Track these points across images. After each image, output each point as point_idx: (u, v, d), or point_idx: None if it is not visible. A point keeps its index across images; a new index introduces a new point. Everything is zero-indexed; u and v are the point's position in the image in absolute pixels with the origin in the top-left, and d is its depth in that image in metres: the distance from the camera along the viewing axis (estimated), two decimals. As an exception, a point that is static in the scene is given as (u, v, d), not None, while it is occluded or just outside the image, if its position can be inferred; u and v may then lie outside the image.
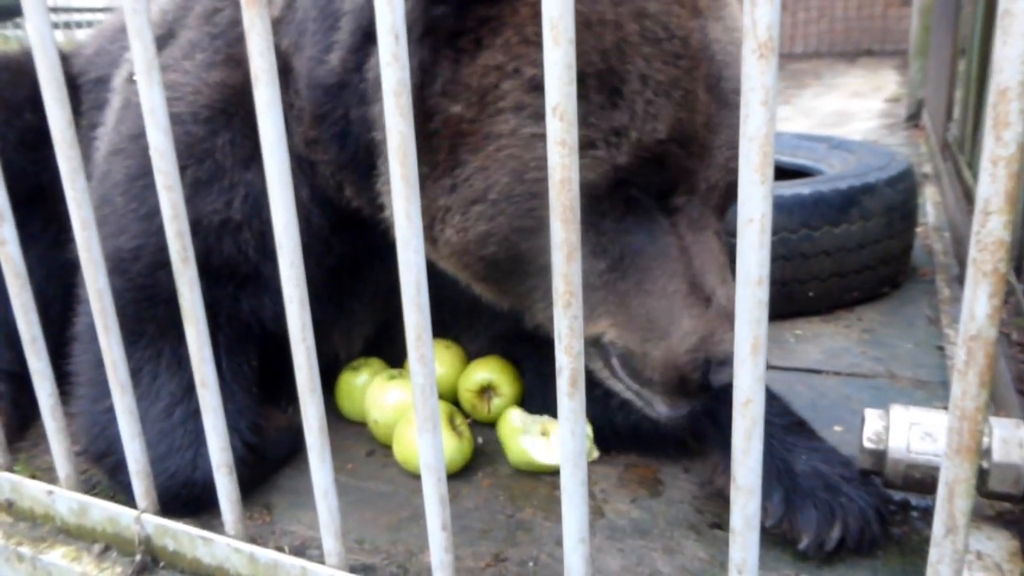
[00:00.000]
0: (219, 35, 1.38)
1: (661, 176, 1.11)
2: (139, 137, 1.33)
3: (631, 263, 1.16)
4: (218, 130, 1.33)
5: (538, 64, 1.04)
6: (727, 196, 1.19)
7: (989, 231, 0.64)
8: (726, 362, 1.11)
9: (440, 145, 1.14)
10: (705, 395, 1.16)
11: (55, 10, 7.75)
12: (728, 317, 1.13)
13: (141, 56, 0.98)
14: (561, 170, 0.77)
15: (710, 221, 1.17)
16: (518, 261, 1.18)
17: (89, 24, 8.30)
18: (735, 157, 1.14)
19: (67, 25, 8.32)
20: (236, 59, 1.33)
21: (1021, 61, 0.60)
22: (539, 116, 1.07)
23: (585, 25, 1.04)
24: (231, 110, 1.33)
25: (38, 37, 1.05)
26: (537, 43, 1.06)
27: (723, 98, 1.12)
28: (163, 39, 1.45)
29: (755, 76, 0.67)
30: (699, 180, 1.14)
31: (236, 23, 1.35)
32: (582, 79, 1.04)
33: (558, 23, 0.73)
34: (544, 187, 1.09)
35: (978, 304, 0.65)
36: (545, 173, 1.05)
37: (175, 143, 1.05)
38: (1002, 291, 0.65)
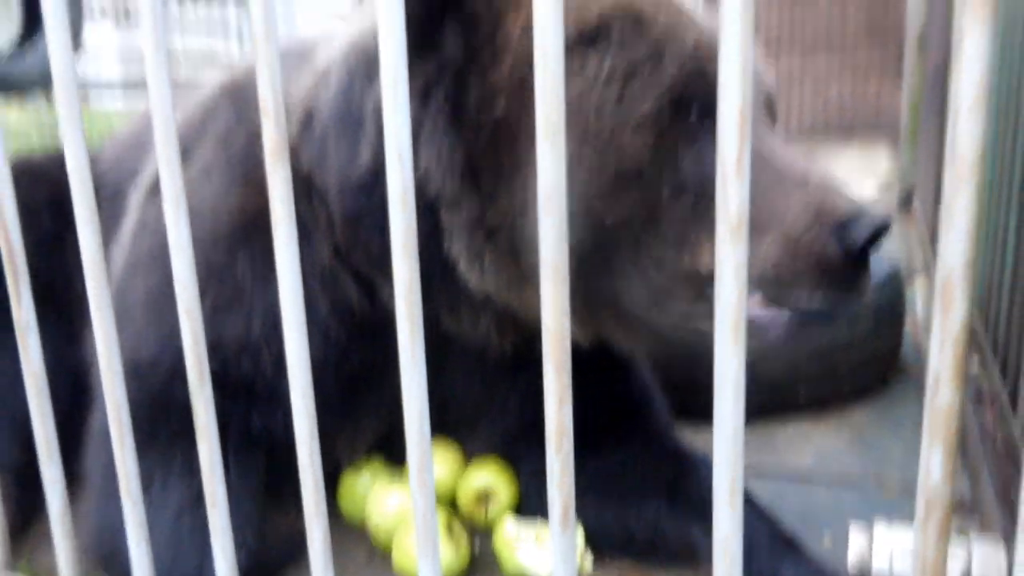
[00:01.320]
0: (235, 159, 1.47)
1: (707, 90, 1.10)
2: (158, 257, 1.41)
3: (711, 184, 1.19)
4: (237, 254, 1.41)
5: (564, 28, 1.16)
6: (768, 108, 1.27)
7: (941, 399, 0.70)
8: (854, 219, 1.06)
9: (500, 149, 1.22)
10: (857, 262, 1.08)
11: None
12: (831, 185, 1.11)
13: (171, 195, 1.06)
14: (554, 323, 0.84)
15: (767, 127, 1.23)
16: (606, 241, 1.20)
17: (103, 95, 8.52)
18: (757, 72, 1.26)
19: (83, 98, 8.53)
20: (254, 182, 1.41)
21: (962, 249, 0.67)
22: (581, 71, 1.16)
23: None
24: (250, 233, 1.40)
25: (76, 173, 1.14)
26: None
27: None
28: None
29: (728, 251, 0.74)
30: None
31: (252, 148, 1.44)
32: (604, 24, 1.18)
33: (551, 194, 0.81)
34: (609, 136, 1.17)
35: (933, 466, 0.71)
36: (605, 121, 1.16)
37: (195, 267, 1.12)
38: (955, 455, 0.71)
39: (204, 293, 1.37)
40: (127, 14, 8.21)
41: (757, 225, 1.11)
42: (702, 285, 1.18)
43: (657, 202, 1.18)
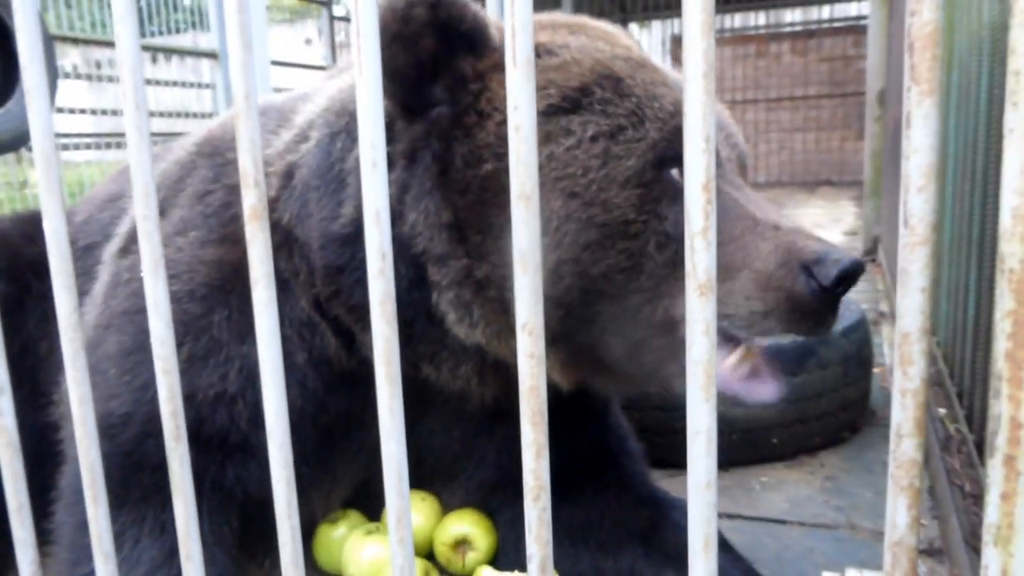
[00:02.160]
0: (212, 215, 1.48)
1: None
2: (132, 313, 1.41)
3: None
4: (215, 307, 1.42)
5: (546, 94, 1.23)
6: (741, 167, 1.34)
7: (903, 452, 0.73)
8: (821, 259, 1.13)
9: (486, 207, 1.26)
10: (826, 299, 1.14)
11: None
12: (800, 231, 1.18)
13: (148, 254, 1.08)
14: (530, 379, 0.86)
15: (742, 181, 1.31)
16: (593, 291, 1.25)
17: (76, 147, 8.51)
18: (732, 134, 1.36)
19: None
20: (232, 238, 1.43)
21: (918, 311, 0.71)
22: (567, 132, 1.22)
23: (562, 65, 1.27)
24: (228, 287, 1.42)
25: (53, 237, 1.15)
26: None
27: None
28: None
29: (697, 311, 0.77)
30: (719, 151, 1.27)
31: (228, 204, 1.46)
32: (585, 89, 1.25)
33: (526, 253, 0.84)
34: (596, 191, 1.22)
35: (898, 515, 0.74)
36: (592, 176, 1.21)
37: (172, 321, 1.13)
38: (918, 503, 0.74)
39: (180, 346, 1.38)
40: (99, 74, 8.24)
41: (732, 266, 1.18)
42: (675, 337, 1.22)
43: (642, 253, 1.23)
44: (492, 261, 1.27)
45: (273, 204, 1.43)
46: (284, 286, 1.43)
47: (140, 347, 1.37)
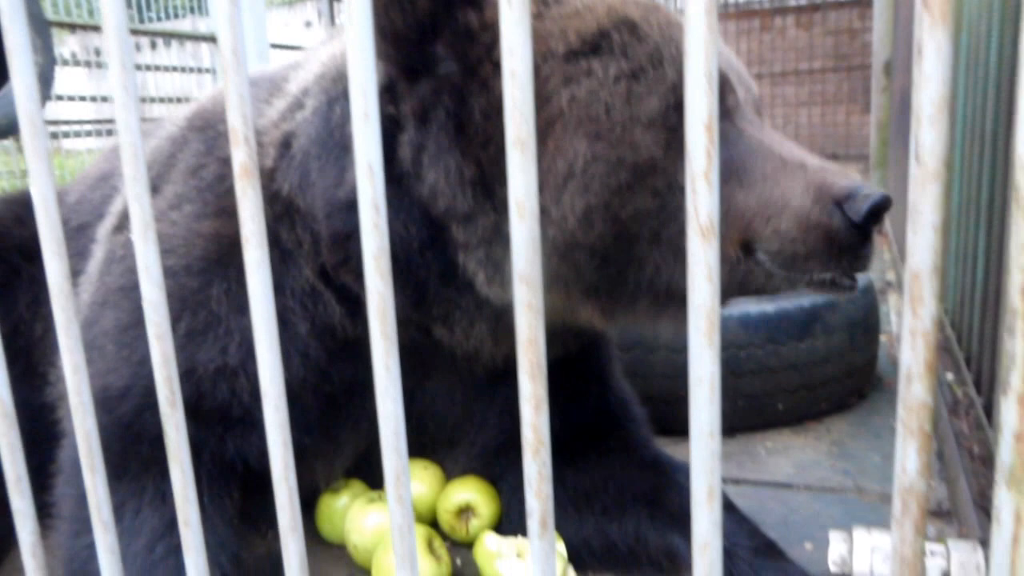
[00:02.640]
0: (206, 188, 1.46)
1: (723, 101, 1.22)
2: (128, 289, 1.40)
3: (728, 175, 1.22)
4: (213, 280, 1.40)
5: (565, 39, 1.21)
6: (757, 110, 1.34)
7: (913, 395, 0.71)
8: (852, 194, 1.15)
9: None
10: (862, 236, 1.17)
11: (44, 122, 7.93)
12: (827, 167, 1.20)
13: (139, 217, 1.06)
14: (528, 331, 0.84)
15: (761, 122, 1.31)
16: (625, 235, 1.23)
17: (76, 134, 8.49)
18: (744, 75, 1.36)
19: (55, 135, 8.51)
20: (228, 211, 1.41)
21: (930, 249, 0.68)
22: (588, 74, 1.20)
23: (576, 12, 1.24)
24: (226, 260, 1.40)
25: (41, 199, 1.13)
26: (547, 26, 1.23)
27: None
28: None
29: (699, 254, 0.75)
30: (734, 90, 1.27)
31: (223, 177, 1.44)
32: (603, 32, 1.23)
33: (523, 201, 0.81)
34: (621, 132, 1.20)
35: (908, 460, 0.72)
36: (616, 117, 1.19)
37: (168, 296, 1.11)
38: (929, 447, 0.71)
39: (178, 321, 1.36)
40: (98, 61, 8.21)
41: (770, 204, 1.18)
42: (726, 268, 1.22)
43: (670, 195, 1.22)
44: (544, 203, 1.24)
45: (271, 174, 1.41)
46: (286, 256, 1.42)
47: (137, 322, 1.36)
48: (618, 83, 1.20)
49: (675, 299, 1.28)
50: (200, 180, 1.48)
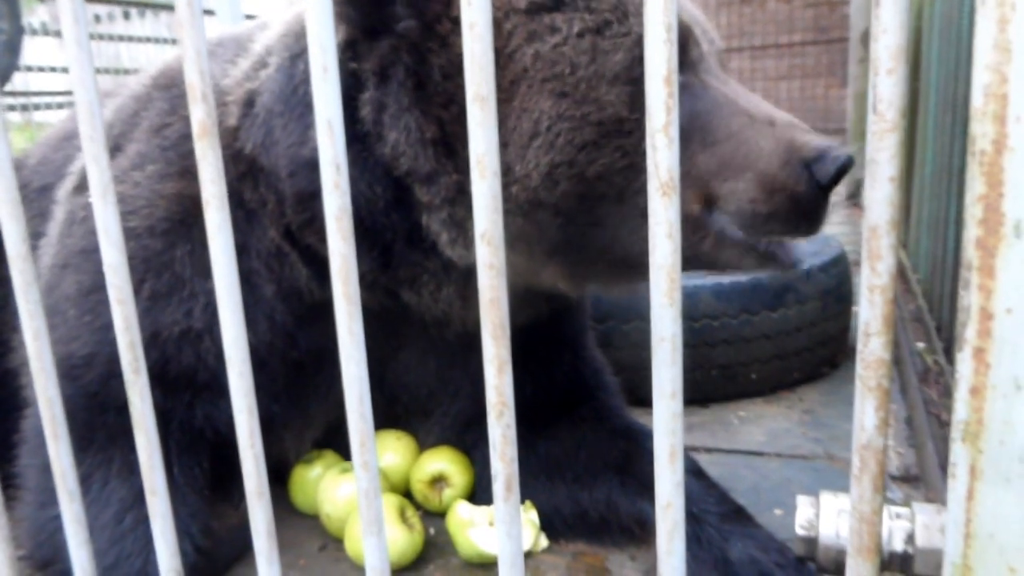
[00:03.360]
0: (170, 147, 1.44)
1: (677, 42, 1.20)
2: (89, 252, 1.37)
3: (691, 131, 1.19)
4: (176, 242, 1.37)
5: None
6: (722, 61, 1.31)
7: (871, 351, 0.71)
8: (821, 156, 1.13)
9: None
10: (822, 198, 1.14)
11: (13, 94, 7.78)
12: (795, 125, 1.18)
13: (97, 178, 1.03)
14: (490, 291, 0.83)
15: (727, 76, 1.28)
16: (590, 194, 1.21)
17: (48, 106, 8.32)
18: (708, 30, 1.31)
19: (25, 108, 8.35)
20: (192, 171, 1.38)
21: (887, 203, 0.68)
22: (552, 30, 1.17)
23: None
24: (189, 221, 1.37)
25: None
26: None
27: None
28: (110, 153, 1.51)
29: (660, 211, 0.74)
30: (698, 42, 1.24)
31: (187, 137, 1.41)
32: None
33: (483, 158, 0.80)
34: (586, 89, 1.17)
35: (866, 417, 0.72)
36: (581, 74, 1.16)
37: (131, 258, 1.09)
38: (887, 404, 0.72)
39: (141, 283, 1.34)
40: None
41: (734, 164, 1.16)
42: (688, 228, 1.19)
43: (637, 152, 1.20)
44: (508, 160, 1.22)
45: (235, 133, 1.39)
46: (250, 216, 1.39)
47: (99, 286, 1.34)
48: (582, 38, 1.18)
49: (637, 261, 1.27)
50: (164, 139, 1.45)
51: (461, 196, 1.25)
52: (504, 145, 1.18)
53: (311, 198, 1.30)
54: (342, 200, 0.88)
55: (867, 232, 0.69)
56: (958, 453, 0.68)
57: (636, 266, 1.27)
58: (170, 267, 1.37)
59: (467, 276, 1.35)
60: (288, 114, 1.31)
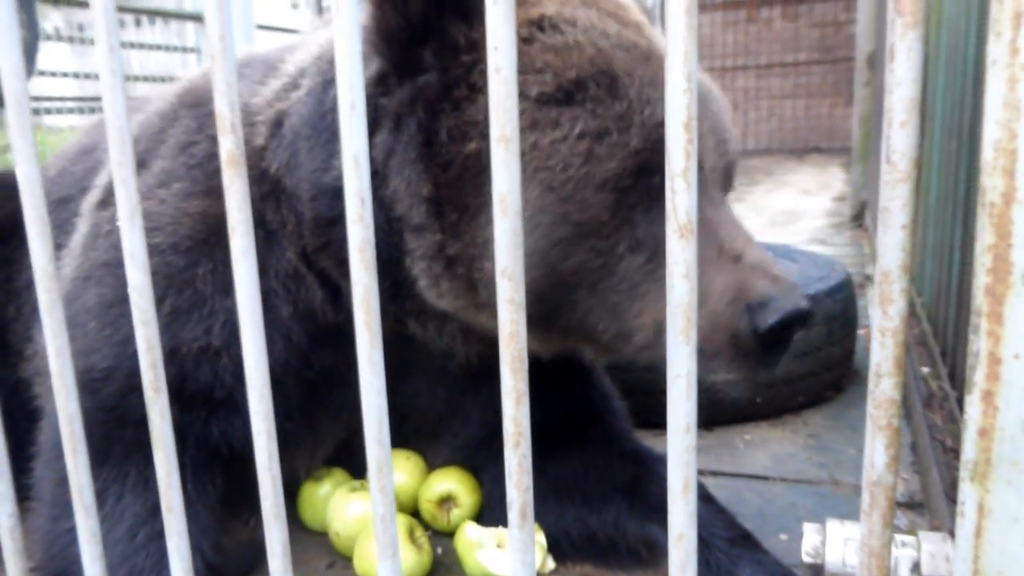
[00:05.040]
0: (196, 166, 1.46)
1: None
2: (113, 266, 1.39)
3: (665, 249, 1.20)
4: (199, 260, 1.40)
5: (541, 79, 1.20)
6: (727, 177, 1.32)
7: (882, 391, 0.73)
8: (764, 303, 1.13)
9: (465, 187, 1.23)
10: (764, 347, 1.15)
11: (25, 101, 7.81)
12: (759, 266, 1.18)
13: (124, 202, 1.06)
14: (510, 324, 0.85)
15: (722, 196, 1.30)
16: (562, 283, 1.25)
17: (59, 111, 8.39)
18: (724, 140, 1.31)
19: (36, 112, 8.41)
20: (217, 190, 1.41)
21: (899, 248, 0.70)
22: (555, 125, 1.19)
23: (564, 48, 1.22)
24: (212, 240, 1.40)
25: (25, 178, 1.13)
26: (531, 56, 1.22)
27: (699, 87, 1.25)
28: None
29: (677, 252, 0.76)
30: (703, 161, 1.25)
31: (213, 156, 1.44)
32: (581, 82, 1.20)
33: (506, 197, 0.83)
34: (573, 189, 1.20)
35: (876, 454, 0.74)
36: (572, 174, 1.19)
37: (154, 274, 1.11)
38: (897, 442, 0.73)
39: (163, 299, 1.37)
40: (82, 37, 8.10)
41: (699, 299, 1.15)
42: (653, 331, 1.23)
43: (612, 253, 1.23)
44: (465, 240, 1.26)
45: (261, 152, 1.42)
46: (271, 237, 1.42)
47: (121, 299, 1.36)
48: (581, 140, 1.19)
49: (606, 338, 1.31)
50: (190, 157, 1.47)
51: (439, 254, 1.29)
52: (488, 223, 1.21)
53: (328, 224, 1.33)
54: (366, 232, 0.91)
55: (880, 277, 0.72)
56: (966, 492, 0.70)
57: (606, 341, 1.30)
58: (192, 284, 1.39)
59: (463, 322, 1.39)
60: (315, 139, 1.34)
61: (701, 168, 1.25)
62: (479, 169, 1.21)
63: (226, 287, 1.39)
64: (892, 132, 0.69)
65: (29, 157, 1.15)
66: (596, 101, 1.20)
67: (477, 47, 1.23)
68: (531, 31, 1.24)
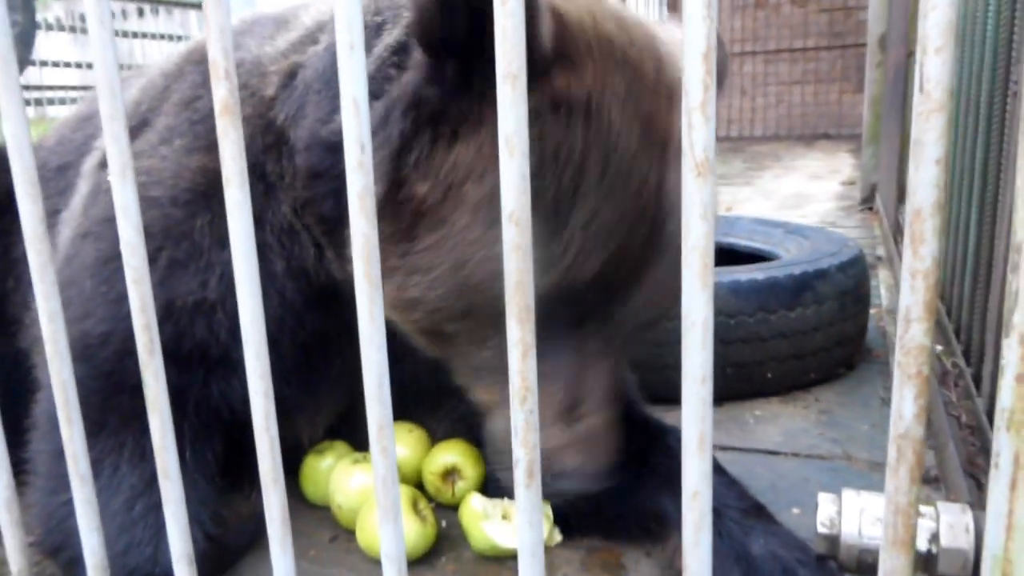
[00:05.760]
0: (199, 121, 1.43)
1: (575, 309, 1.18)
2: (111, 220, 1.36)
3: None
4: (197, 212, 1.37)
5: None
6: (640, 326, 1.26)
7: (911, 337, 0.69)
8: (561, 476, 1.21)
9: (403, 214, 1.19)
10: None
11: (27, 88, 7.81)
12: (587, 439, 1.22)
13: (116, 157, 1.02)
14: (517, 274, 0.81)
15: (612, 350, 1.25)
16: (439, 334, 1.26)
17: (62, 101, 8.37)
18: (655, 298, 1.23)
19: (39, 102, 8.38)
20: (217, 145, 1.37)
21: (932, 184, 0.66)
22: (493, 222, 1.12)
23: (552, 157, 1.09)
24: (211, 192, 1.36)
25: (13, 136, 1.09)
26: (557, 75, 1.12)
27: (660, 244, 1.17)
28: (136, 129, 1.50)
29: (694, 192, 0.72)
30: (612, 316, 1.21)
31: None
32: (533, 204, 1.10)
33: (512, 137, 0.79)
34: (477, 281, 1.15)
35: (905, 405, 0.70)
36: (482, 271, 1.15)
37: (152, 225, 1.08)
38: (927, 392, 0.69)
39: (160, 251, 1.34)
40: (83, 27, 8.06)
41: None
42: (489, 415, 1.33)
43: (474, 344, 1.25)
44: (396, 259, 1.22)
45: (270, 103, 1.38)
46: (269, 189, 1.38)
47: (117, 255, 1.32)
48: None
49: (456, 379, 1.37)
50: (193, 112, 1.44)
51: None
52: (404, 254, 1.20)
53: (316, 176, 1.29)
54: (365, 180, 0.87)
55: (911, 215, 0.67)
56: (1002, 442, 0.66)
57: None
58: (189, 236, 1.37)
59: None
60: (324, 91, 1.30)
61: (610, 320, 1.22)
62: (419, 209, 1.16)
63: (222, 240, 1.35)
64: (926, 59, 0.65)
65: (17, 116, 1.11)
66: (533, 233, 1.17)
67: (480, 101, 1.13)
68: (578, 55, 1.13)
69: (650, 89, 1.16)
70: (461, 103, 1.14)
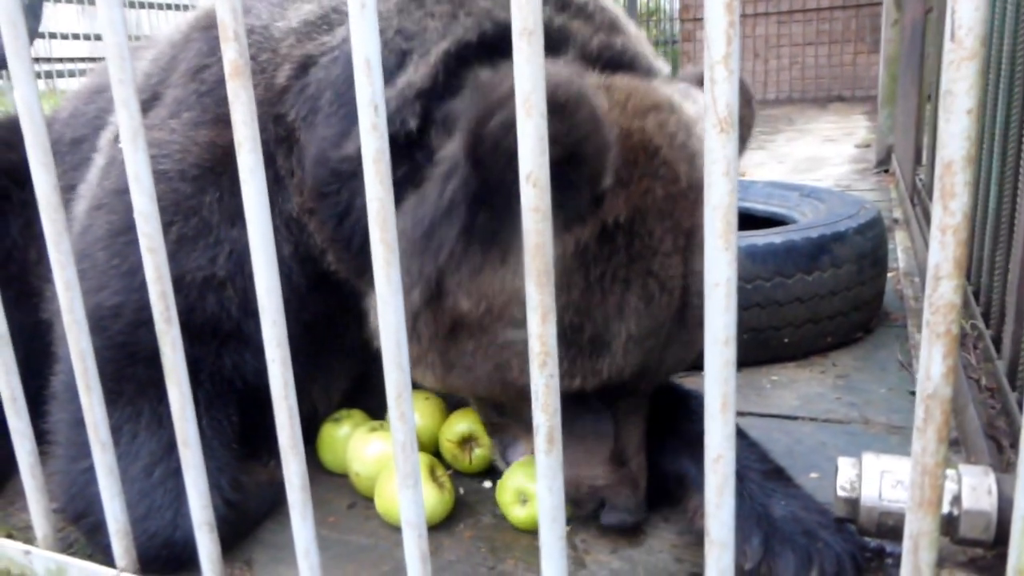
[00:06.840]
0: (207, 93, 1.41)
1: (613, 393, 1.28)
2: (123, 192, 1.35)
3: (569, 428, 1.13)
4: (206, 188, 1.36)
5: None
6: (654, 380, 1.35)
7: (940, 295, 0.67)
8: (615, 508, 1.32)
9: (442, 319, 1.22)
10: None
11: (37, 60, 7.79)
12: (632, 480, 1.34)
13: (127, 123, 1.01)
14: (536, 235, 0.80)
15: (641, 407, 1.36)
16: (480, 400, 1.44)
17: (71, 73, 8.33)
18: (677, 364, 1.32)
19: (49, 75, 8.35)
20: (225, 119, 1.36)
21: (963, 136, 0.64)
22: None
23: (598, 281, 1.14)
24: (219, 169, 1.36)
25: (24, 104, 1.08)
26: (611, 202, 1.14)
27: (685, 324, 1.23)
28: (148, 103, 1.48)
29: (717, 149, 0.70)
30: (642, 387, 1.31)
31: (224, 81, 1.38)
32: (579, 329, 1.17)
33: (530, 96, 0.77)
34: (519, 374, 1.22)
35: (933, 364, 0.68)
36: (516, 373, 1.21)
37: (161, 200, 1.07)
38: (956, 351, 0.68)
39: (169, 226, 1.34)
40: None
41: (579, 461, 1.33)
42: None
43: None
44: (436, 360, 1.29)
45: (281, 95, 1.37)
46: (279, 179, 1.38)
47: (130, 227, 1.32)
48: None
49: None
50: (200, 83, 1.43)
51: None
52: (444, 351, 1.27)
53: (322, 197, 1.32)
54: (380, 142, 0.85)
55: (941, 168, 0.66)
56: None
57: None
58: (198, 212, 1.36)
59: None
60: (336, 105, 1.29)
61: (640, 391, 1.34)
62: (460, 319, 1.23)
63: (232, 217, 1.35)
64: (958, 5, 0.62)
65: (27, 84, 1.10)
66: (580, 353, 1.20)
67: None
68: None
69: (682, 191, 1.18)
70: (511, 227, 1.12)
